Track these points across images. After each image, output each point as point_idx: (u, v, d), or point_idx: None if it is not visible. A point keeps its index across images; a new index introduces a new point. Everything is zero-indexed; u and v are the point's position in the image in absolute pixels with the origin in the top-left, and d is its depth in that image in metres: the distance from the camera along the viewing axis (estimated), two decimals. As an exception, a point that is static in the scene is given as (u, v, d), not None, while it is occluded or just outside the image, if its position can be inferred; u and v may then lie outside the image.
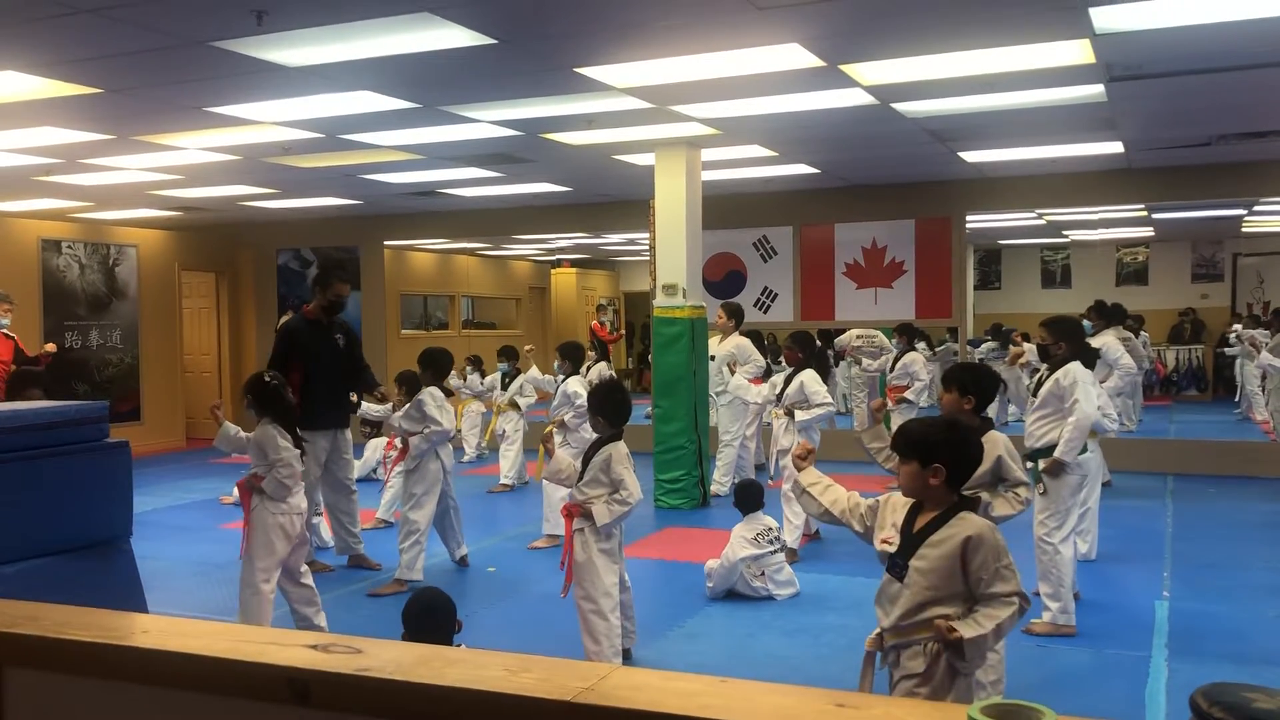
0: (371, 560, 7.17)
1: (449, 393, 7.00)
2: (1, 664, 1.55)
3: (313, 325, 7.10)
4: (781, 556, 6.28)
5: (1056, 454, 5.37)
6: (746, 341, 9.53)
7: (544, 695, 1.21)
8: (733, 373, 8.45)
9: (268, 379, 5.40)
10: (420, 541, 6.55)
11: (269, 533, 5.09)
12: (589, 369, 9.69)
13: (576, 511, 4.86)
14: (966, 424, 3.37)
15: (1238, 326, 13.95)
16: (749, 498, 6.36)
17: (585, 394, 7.28)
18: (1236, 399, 14.49)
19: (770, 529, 6.24)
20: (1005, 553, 3.00)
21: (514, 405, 10.30)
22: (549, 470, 5.09)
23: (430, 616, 3.57)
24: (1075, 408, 5.40)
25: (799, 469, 3.55)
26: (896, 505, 3.21)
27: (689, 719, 1.15)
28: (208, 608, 6.18)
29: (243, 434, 5.44)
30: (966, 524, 3.01)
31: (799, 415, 7.20)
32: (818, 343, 8.63)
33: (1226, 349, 14.66)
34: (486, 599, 6.41)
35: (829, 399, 7.33)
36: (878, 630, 3.16)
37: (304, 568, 5.34)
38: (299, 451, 5.22)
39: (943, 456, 3.06)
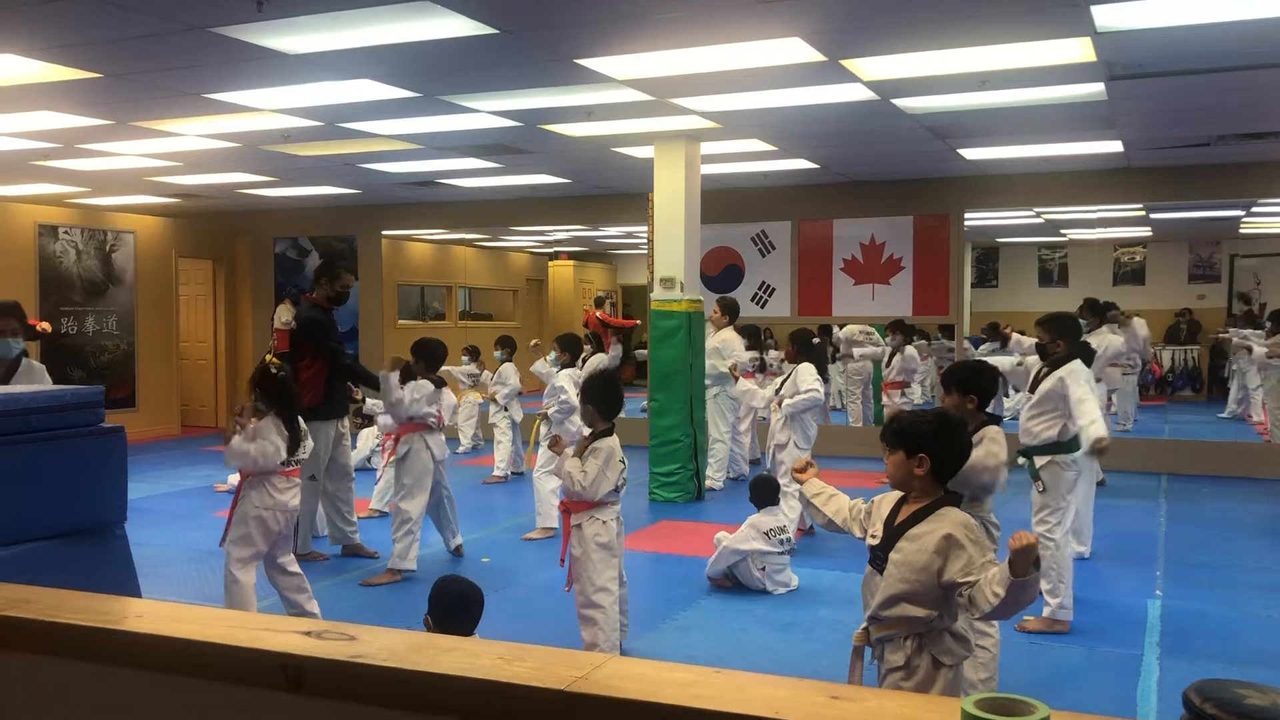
0: (367, 549, 7.17)
1: (442, 383, 6.98)
2: (-6, 647, 1.55)
3: (325, 315, 7.13)
4: (786, 558, 6.28)
5: (1096, 435, 5.30)
6: (733, 336, 9.50)
7: (538, 683, 1.21)
8: (736, 378, 8.44)
9: (275, 370, 5.37)
10: (412, 531, 6.55)
11: (248, 525, 5.09)
12: (584, 361, 9.69)
13: (571, 508, 4.88)
14: (956, 417, 3.35)
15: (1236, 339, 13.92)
16: (765, 493, 6.35)
17: (572, 391, 7.29)
18: (1230, 404, 14.45)
19: (783, 529, 6.23)
20: (987, 548, 2.98)
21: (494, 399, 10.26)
22: (558, 468, 5.12)
23: (466, 607, 3.59)
24: (1083, 408, 5.36)
25: (800, 482, 3.56)
26: (888, 501, 3.21)
27: (682, 709, 1.15)
28: (201, 594, 6.18)
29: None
30: (946, 520, 3.00)
31: (785, 403, 7.22)
32: (816, 339, 8.55)
33: (1220, 335, 14.60)
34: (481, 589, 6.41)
35: (816, 388, 7.33)
36: (864, 625, 3.17)
37: (288, 557, 5.32)
38: (285, 452, 5.13)
39: (928, 447, 3.05)
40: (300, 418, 5.31)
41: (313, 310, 7.09)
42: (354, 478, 7.34)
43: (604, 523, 4.84)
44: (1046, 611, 5.43)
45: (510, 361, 10.18)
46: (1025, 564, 2.71)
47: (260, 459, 5.03)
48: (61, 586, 1.66)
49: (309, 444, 5.37)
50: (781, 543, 6.18)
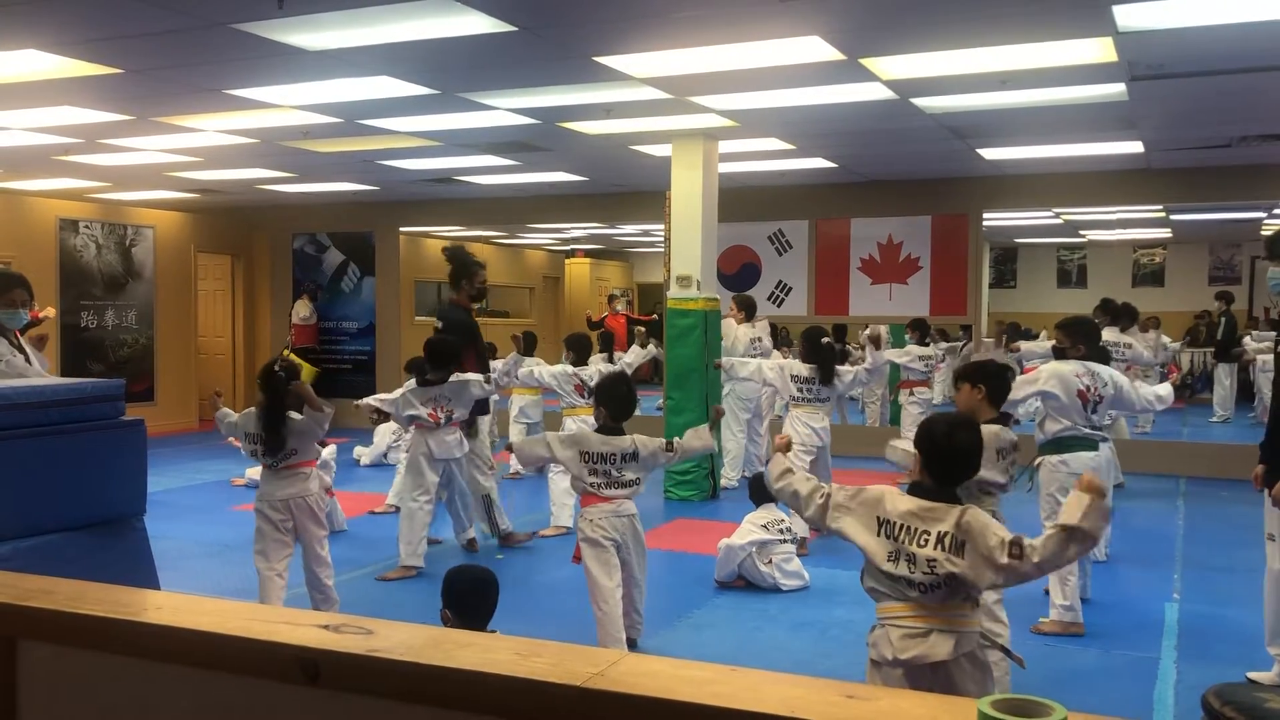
0: (520, 534, 7.37)
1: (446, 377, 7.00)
2: (15, 637, 1.56)
3: (469, 315, 7.38)
4: (791, 547, 6.29)
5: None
6: (742, 331, 9.45)
7: (555, 680, 1.21)
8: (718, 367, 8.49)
9: (276, 368, 5.37)
10: (419, 528, 6.57)
11: (256, 517, 5.28)
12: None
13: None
14: (965, 424, 3.26)
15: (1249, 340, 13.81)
16: (762, 490, 6.37)
17: (540, 371, 7.61)
18: (1218, 409, 14.32)
19: (781, 520, 6.26)
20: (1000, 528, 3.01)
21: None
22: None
23: (482, 592, 3.61)
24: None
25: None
26: (888, 500, 3.16)
27: (698, 706, 1.15)
28: (219, 588, 6.21)
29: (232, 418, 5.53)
30: (954, 510, 3.02)
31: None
32: (826, 339, 8.29)
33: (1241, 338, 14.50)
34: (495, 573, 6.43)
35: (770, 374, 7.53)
36: None
37: (324, 554, 5.35)
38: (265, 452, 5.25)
39: (921, 448, 3.11)
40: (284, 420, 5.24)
41: (457, 312, 7.32)
42: (489, 471, 7.37)
43: (590, 520, 4.93)
44: (1054, 614, 5.42)
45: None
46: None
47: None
48: (81, 578, 1.67)
49: (330, 448, 5.38)
50: (781, 532, 6.19)
